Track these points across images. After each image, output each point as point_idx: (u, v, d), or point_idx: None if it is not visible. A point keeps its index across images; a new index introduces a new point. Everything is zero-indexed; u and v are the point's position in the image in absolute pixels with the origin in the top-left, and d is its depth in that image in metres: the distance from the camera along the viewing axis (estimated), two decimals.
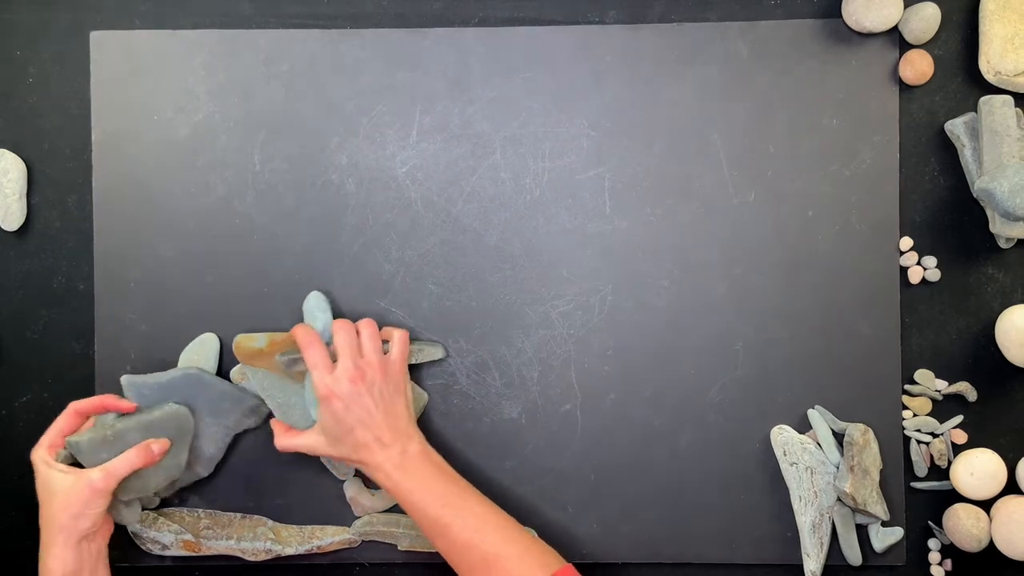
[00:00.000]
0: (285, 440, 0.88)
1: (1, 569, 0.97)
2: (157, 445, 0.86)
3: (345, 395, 0.84)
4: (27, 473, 0.97)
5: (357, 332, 0.88)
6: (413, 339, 0.92)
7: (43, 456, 0.85)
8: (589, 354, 0.93)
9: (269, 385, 0.91)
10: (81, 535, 0.82)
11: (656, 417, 0.93)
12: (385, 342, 0.89)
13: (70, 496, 0.82)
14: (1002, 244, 0.92)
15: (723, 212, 0.93)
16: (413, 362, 0.92)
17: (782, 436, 0.92)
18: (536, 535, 0.87)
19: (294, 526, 0.95)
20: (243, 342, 0.90)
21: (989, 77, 0.90)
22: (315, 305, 0.92)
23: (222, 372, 0.94)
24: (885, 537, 0.92)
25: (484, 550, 0.81)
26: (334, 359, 0.86)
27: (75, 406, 0.86)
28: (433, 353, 0.93)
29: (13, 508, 0.97)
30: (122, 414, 0.88)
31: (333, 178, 0.94)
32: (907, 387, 0.93)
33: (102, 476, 0.83)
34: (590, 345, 0.93)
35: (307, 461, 0.94)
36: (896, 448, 0.92)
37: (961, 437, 0.92)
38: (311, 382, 0.87)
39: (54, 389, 0.96)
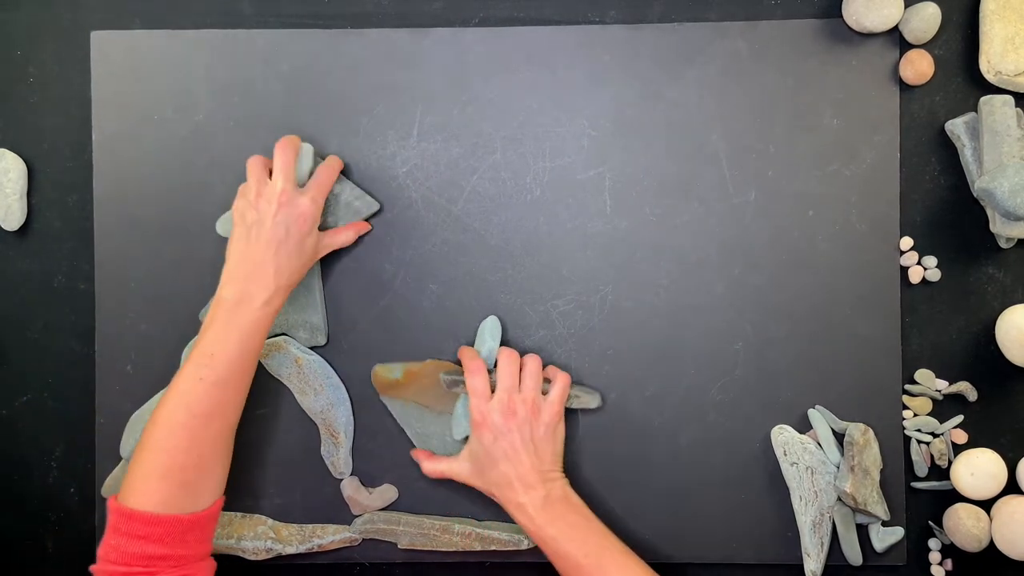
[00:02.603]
0: (431, 465, 0.91)
1: (2, 569, 0.97)
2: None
3: (495, 427, 0.86)
4: (27, 473, 0.97)
5: (521, 366, 0.89)
6: (573, 383, 0.92)
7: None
8: (589, 354, 0.93)
9: (407, 415, 0.93)
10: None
11: (656, 417, 0.93)
12: (547, 380, 0.90)
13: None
14: (1002, 244, 0.92)
15: (723, 212, 0.93)
16: (569, 407, 0.91)
17: (782, 436, 0.92)
18: None
19: (294, 525, 0.95)
20: (380, 372, 0.93)
21: (989, 77, 0.90)
22: (489, 329, 0.92)
23: None
24: (885, 537, 0.92)
25: None
26: (494, 388, 0.88)
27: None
28: (590, 402, 0.92)
29: (13, 508, 0.97)
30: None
31: None
32: (907, 387, 0.93)
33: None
34: (590, 345, 0.93)
35: (307, 460, 0.94)
36: (896, 448, 0.92)
37: (961, 437, 0.92)
38: (467, 405, 0.89)
39: (54, 389, 0.96)
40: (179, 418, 0.81)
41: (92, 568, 0.80)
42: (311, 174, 0.90)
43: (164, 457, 0.81)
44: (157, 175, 0.95)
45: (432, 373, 0.92)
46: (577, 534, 0.84)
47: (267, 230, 0.85)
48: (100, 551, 0.80)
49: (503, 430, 0.85)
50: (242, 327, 0.83)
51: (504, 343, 0.93)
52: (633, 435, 0.93)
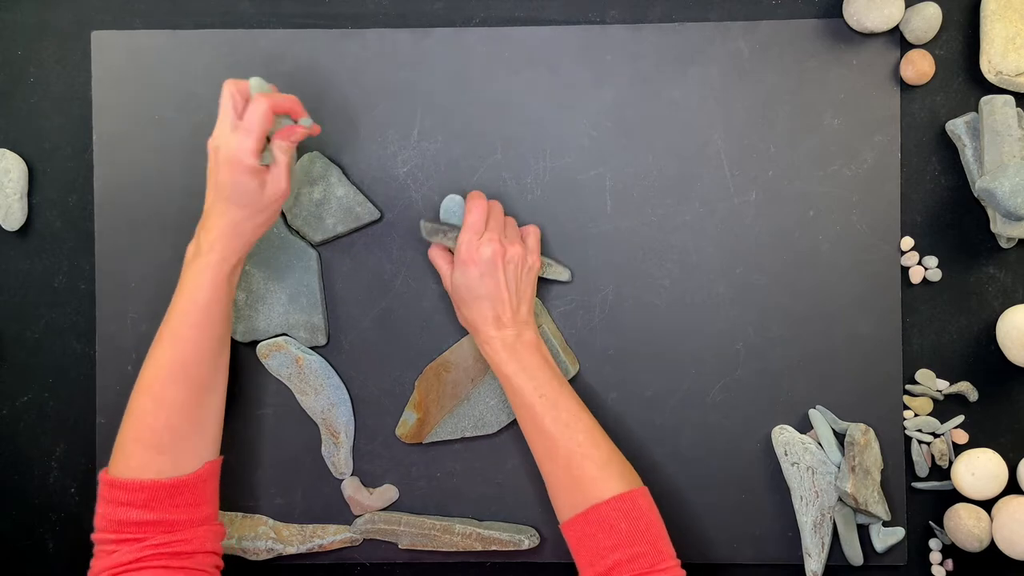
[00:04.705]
0: (437, 252, 0.90)
1: (2, 569, 0.97)
2: (301, 130, 0.85)
3: (483, 264, 0.86)
4: (27, 473, 0.97)
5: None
6: (546, 255, 0.93)
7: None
8: (590, 354, 0.93)
9: (462, 423, 0.93)
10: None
11: (657, 417, 0.93)
12: None
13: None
14: (1003, 244, 0.92)
15: (724, 212, 0.93)
16: (542, 275, 0.92)
17: (783, 436, 0.92)
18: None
19: (295, 525, 0.94)
20: (403, 431, 0.93)
21: (990, 77, 0.90)
22: (456, 205, 0.92)
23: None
24: (886, 537, 0.92)
25: (569, 446, 0.83)
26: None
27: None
28: (561, 273, 0.93)
29: (13, 508, 0.97)
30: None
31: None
32: (908, 387, 0.93)
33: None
34: (591, 345, 0.93)
35: (307, 460, 0.94)
36: (897, 448, 0.92)
37: (962, 437, 0.92)
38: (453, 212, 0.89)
39: (54, 389, 0.96)
40: (144, 380, 0.82)
41: (92, 536, 0.81)
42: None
43: (134, 421, 0.82)
44: (157, 175, 0.94)
45: (430, 382, 0.92)
46: (537, 374, 0.85)
47: (210, 177, 0.84)
48: (95, 520, 0.81)
49: (491, 268, 0.86)
50: (193, 278, 0.83)
51: None
52: (633, 435, 0.93)
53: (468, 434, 0.93)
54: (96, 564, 0.79)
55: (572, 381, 0.92)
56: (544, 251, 0.93)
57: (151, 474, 0.80)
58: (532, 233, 0.91)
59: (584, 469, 0.82)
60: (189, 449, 0.83)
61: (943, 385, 0.92)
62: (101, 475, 0.81)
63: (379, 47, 0.94)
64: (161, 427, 0.81)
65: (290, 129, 0.84)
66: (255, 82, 0.84)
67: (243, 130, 0.81)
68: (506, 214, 0.91)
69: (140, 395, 0.82)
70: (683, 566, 0.79)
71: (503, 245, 0.86)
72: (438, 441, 0.94)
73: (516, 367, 0.85)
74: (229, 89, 0.83)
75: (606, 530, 0.79)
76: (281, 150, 0.83)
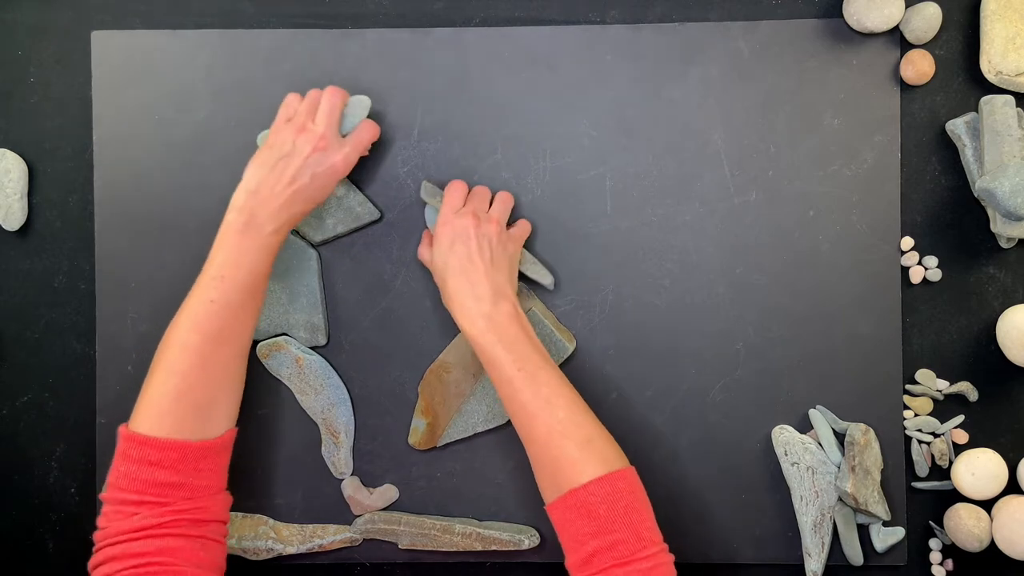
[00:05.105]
0: (423, 248, 0.92)
1: (2, 569, 0.97)
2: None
3: (456, 227, 0.86)
4: (27, 473, 0.97)
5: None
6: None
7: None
8: (590, 354, 0.93)
9: (474, 420, 0.93)
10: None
11: (657, 417, 0.93)
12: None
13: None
14: (1003, 244, 0.92)
15: (724, 212, 0.93)
16: (523, 271, 0.92)
17: (783, 436, 0.92)
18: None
19: (295, 525, 0.94)
20: (415, 439, 0.94)
21: (990, 77, 0.90)
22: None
23: None
24: (886, 537, 0.92)
25: (549, 423, 0.80)
26: None
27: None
28: (543, 276, 0.92)
29: (13, 508, 0.97)
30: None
31: None
32: (908, 387, 0.93)
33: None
34: (591, 345, 0.93)
35: (307, 460, 0.94)
36: (897, 448, 0.92)
37: (962, 437, 0.92)
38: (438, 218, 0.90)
39: (54, 389, 0.96)
40: (192, 340, 0.81)
41: (102, 496, 0.78)
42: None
43: (176, 379, 0.80)
44: (157, 175, 0.95)
45: (433, 386, 0.92)
46: (516, 347, 0.83)
47: (293, 168, 0.85)
48: (110, 478, 0.79)
49: (462, 232, 0.86)
50: (251, 252, 0.84)
51: None
52: (633, 435, 0.93)
53: (480, 429, 0.93)
54: (111, 526, 0.77)
55: (571, 372, 0.92)
56: (543, 251, 0.93)
57: (186, 434, 0.79)
58: (520, 224, 0.92)
59: (563, 449, 0.79)
60: (223, 412, 0.83)
61: (943, 385, 0.92)
62: (124, 432, 0.79)
63: (379, 47, 0.94)
64: (203, 387, 0.81)
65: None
66: (366, 102, 0.90)
67: (355, 147, 0.88)
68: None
69: (186, 353, 0.81)
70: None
71: (477, 218, 0.87)
72: (452, 442, 0.94)
73: (493, 338, 0.83)
74: (341, 98, 0.88)
75: (584, 516, 0.77)
76: None
